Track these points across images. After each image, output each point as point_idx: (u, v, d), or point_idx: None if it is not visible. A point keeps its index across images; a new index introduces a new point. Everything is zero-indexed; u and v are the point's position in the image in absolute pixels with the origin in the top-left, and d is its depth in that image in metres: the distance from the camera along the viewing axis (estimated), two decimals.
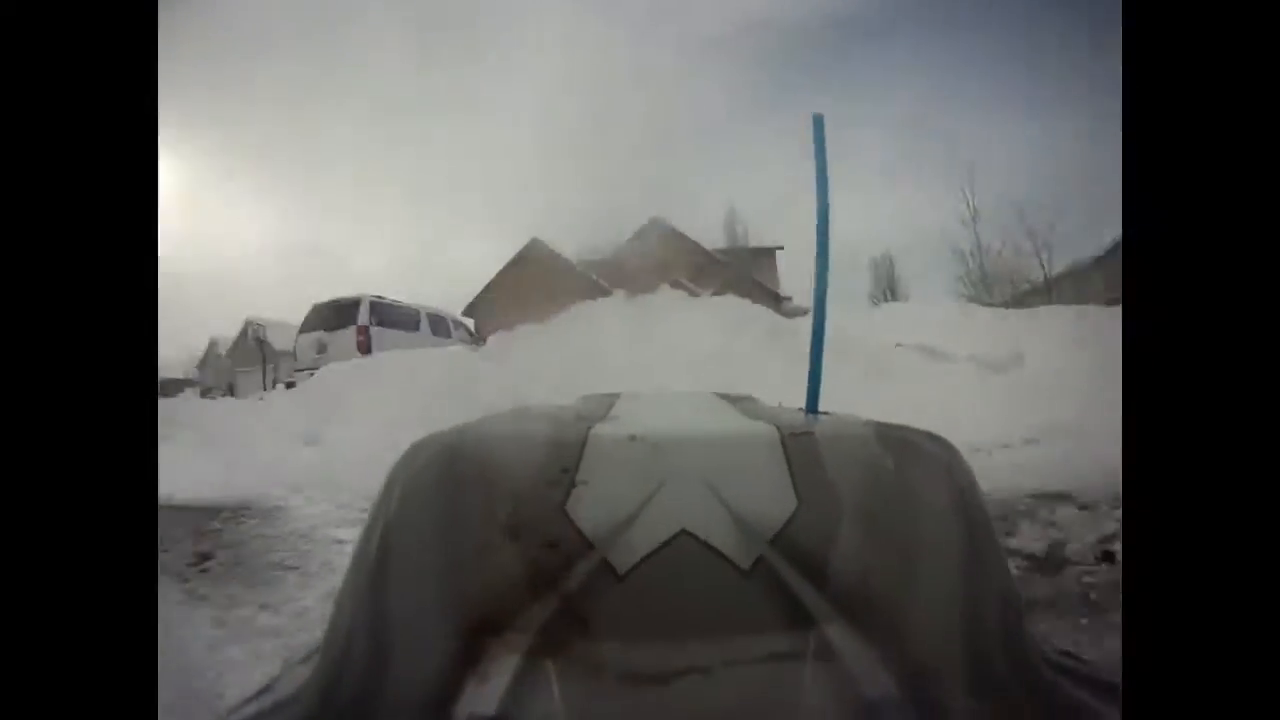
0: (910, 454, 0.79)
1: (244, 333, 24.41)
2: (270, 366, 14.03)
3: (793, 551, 0.71)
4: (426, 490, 0.73)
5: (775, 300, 16.90)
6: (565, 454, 0.75)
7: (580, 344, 6.39)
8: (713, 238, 22.11)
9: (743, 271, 19.07)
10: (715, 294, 8.26)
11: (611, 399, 1.27)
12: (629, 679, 0.64)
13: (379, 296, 8.56)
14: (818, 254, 1.37)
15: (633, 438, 0.77)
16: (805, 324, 6.24)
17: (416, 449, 0.77)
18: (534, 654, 0.64)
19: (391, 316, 8.53)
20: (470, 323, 11.71)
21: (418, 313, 9.16)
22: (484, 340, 8.03)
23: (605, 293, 6.63)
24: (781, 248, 22.18)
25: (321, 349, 8.09)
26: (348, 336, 8.00)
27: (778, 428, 0.81)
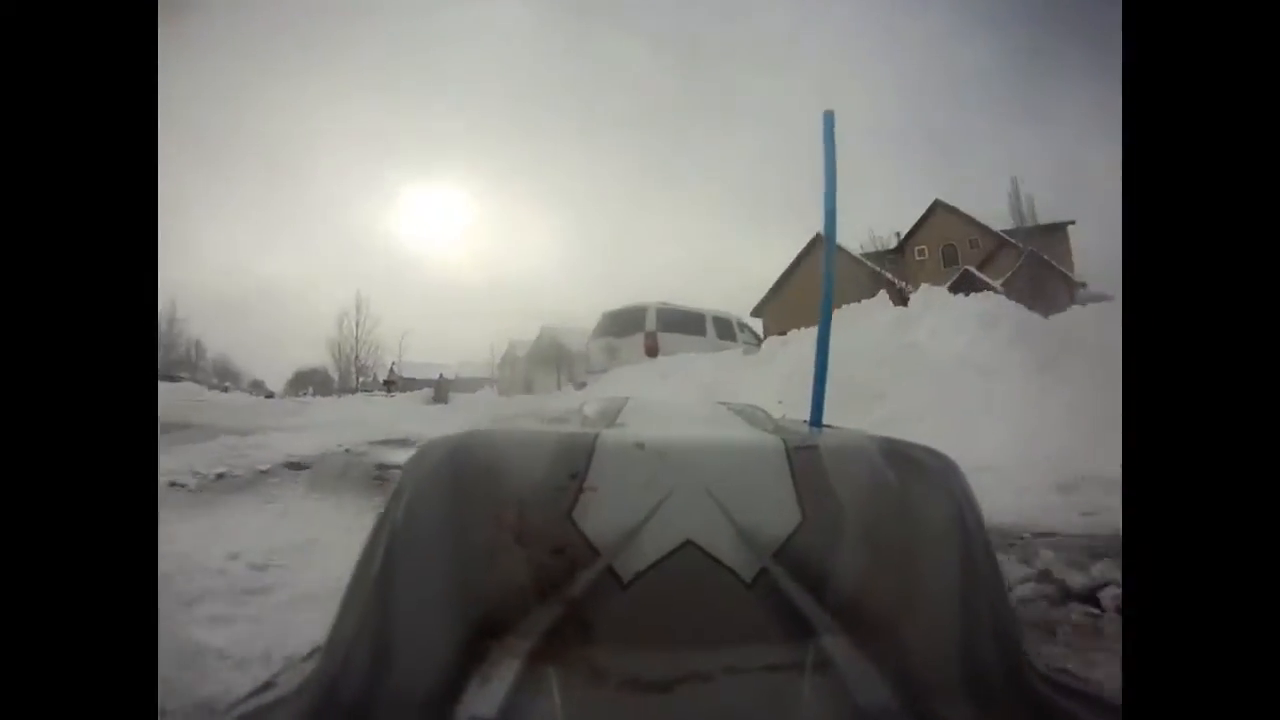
0: (912, 469, 0.79)
1: (540, 337, 28.43)
2: (564, 368, 16.17)
3: (795, 565, 0.73)
4: (433, 493, 0.73)
5: (1068, 285, 14.35)
6: (573, 459, 0.76)
7: (843, 349, 6.18)
8: (998, 214, 19.64)
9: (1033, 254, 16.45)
10: (1005, 283, 7.39)
11: (619, 404, 1.27)
12: (630, 685, 0.64)
13: (664, 303, 9.05)
14: (825, 257, 1.32)
15: (640, 445, 0.78)
16: (1080, 316, 5.17)
17: (425, 452, 0.77)
18: (536, 659, 0.65)
19: (678, 321, 8.90)
20: (758, 324, 11.71)
21: (703, 317, 9.35)
22: (760, 345, 8.16)
23: (890, 285, 6.33)
24: (1073, 222, 18.83)
25: (612, 353, 8.93)
26: (636, 342, 8.65)
27: (784, 440, 0.82)
